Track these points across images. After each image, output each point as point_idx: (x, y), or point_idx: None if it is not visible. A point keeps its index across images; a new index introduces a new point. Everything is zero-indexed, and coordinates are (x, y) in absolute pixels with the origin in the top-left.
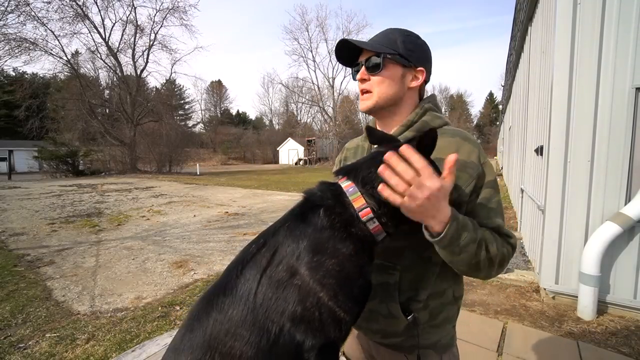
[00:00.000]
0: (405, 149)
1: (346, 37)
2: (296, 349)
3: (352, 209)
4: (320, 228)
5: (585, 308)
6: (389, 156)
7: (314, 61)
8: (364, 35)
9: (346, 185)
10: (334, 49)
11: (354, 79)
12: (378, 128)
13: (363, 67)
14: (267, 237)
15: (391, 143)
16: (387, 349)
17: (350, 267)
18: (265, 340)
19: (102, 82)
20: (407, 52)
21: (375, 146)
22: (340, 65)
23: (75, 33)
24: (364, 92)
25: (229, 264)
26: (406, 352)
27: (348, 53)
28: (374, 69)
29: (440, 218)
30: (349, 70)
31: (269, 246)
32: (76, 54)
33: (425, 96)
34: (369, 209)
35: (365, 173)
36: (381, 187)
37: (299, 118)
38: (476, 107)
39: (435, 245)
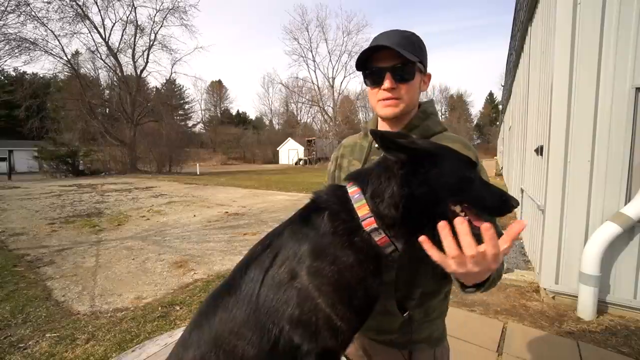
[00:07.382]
0: (485, 231)
1: (384, 43)
2: (294, 352)
3: (356, 216)
4: (322, 233)
5: (585, 308)
6: (460, 222)
7: (314, 61)
8: (365, 35)
9: (352, 190)
10: (358, 53)
11: (372, 84)
12: (382, 128)
13: (390, 76)
14: (273, 238)
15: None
16: (381, 345)
17: (350, 277)
18: (265, 340)
19: (102, 82)
20: (424, 58)
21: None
22: (340, 65)
23: (75, 33)
24: (390, 98)
25: (237, 263)
26: (400, 349)
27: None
28: (404, 78)
29: (478, 279)
30: (349, 70)
31: (273, 247)
32: (76, 54)
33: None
34: (372, 218)
35: (375, 184)
36: (423, 239)
37: (299, 118)
38: (476, 107)
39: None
